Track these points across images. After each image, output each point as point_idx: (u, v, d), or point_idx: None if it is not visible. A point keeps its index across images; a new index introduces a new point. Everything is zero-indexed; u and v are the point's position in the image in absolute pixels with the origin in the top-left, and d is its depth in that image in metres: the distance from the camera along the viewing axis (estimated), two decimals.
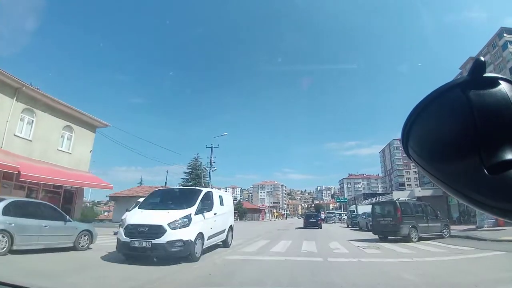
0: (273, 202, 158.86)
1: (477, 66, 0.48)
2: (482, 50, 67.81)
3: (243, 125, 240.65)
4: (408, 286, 5.48)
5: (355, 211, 52.38)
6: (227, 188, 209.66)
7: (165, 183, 42.93)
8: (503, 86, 0.48)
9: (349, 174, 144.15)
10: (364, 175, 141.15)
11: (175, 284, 5.51)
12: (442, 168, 0.49)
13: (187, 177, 56.02)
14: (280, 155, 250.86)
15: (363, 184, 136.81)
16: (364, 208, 50.83)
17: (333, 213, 63.14)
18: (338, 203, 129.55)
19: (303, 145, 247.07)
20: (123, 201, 28.88)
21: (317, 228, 25.90)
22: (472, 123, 0.45)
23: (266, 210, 73.39)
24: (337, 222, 48.30)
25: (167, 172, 46.23)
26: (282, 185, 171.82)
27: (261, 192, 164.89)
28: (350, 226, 29.62)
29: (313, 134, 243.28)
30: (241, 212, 65.76)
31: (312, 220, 27.74)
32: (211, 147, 35.91)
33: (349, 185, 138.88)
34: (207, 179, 61.28)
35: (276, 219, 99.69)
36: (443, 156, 0.49)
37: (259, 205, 73.81)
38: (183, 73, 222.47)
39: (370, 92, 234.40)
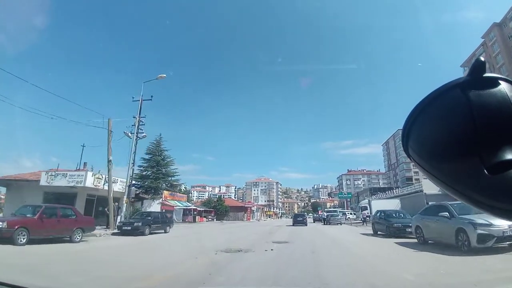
0: (268, 201, 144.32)
1: (477, 66, 0.46)
2: (506, 15, 54.72)
3: (240, 124, 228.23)
4: None
5: (368, 207, 37.83)
6: (221, 187, 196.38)
7: (83, 164, 27.92)
8: (503, 86, 0.46)
9: (348, 170, 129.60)
10: (365, 170, 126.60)
11: None
12: (442, 168, 0.47)
13: (145, 164, 41.28)
14: (277, 154, 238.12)
15: (363, 180, 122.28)
16: (379, 203, 36.17)
17: (336, 211, 48.53)
18: (338, 200, 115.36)
19: (299, 144, 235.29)
20: (20, 188, 20.30)
21: (304, 226, 28.52)
22: (472, 123, 0.44)
23: (253, 208, 58.84)
24: (344, 223, 33.72)
25: (82, 147, 28.87)
26: (277, 183, 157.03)
27: (254, 190, 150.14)
28: (381, 233, 14.97)
29: (310, 133, 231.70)
30: (221, 210, 51.03)
31: (300, 219, 30.87)
32: (140, 100, 20.88)
33: (348, 182, 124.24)
34: (172, 167, 46.46)
35: (268, 218, 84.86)
36: (443, 156, 0.47)
37: (244, 202, 59.25)
38: (183, 72, 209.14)
39: (367, 92, 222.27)
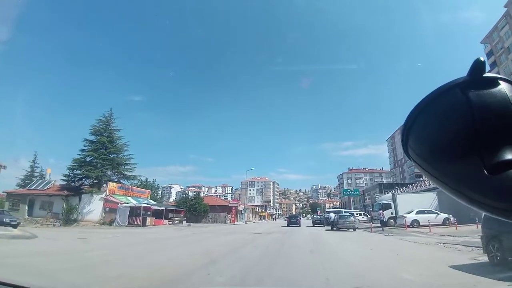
0: (264, 201, 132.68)
1: (477, 66, 0.45)
2: None
3: (239, 125, 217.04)
4: None
5: (392, 205, 26.32)
6: (217, 187, 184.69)
7: None
8: (503, 86, 0.45)
9: (349, 168, 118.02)
10: (367, 169, 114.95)
11: None
12: (442, 168, 0.46)
13: (88, 147, 30.00)
14: (276, 155, 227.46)
15: (365, 179, 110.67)
16: (408, 199, 23.79)
17: (340, 211, 37.18)
18: (339, 201, 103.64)
19: (298, 145, 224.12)
20: None
21: (297, 226, 29.64)
22: (472, 123, 0.43)
23: (240, 208, 47.50)
24: (359, 228, 22.54)
25: None
26: (273, 182, 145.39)
27: (250, 190, 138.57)
28: None
29: (309, 134, 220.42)
30: (199, 210, 39.63)
31: (293, 220, 32.27)
32: None
33: (349, 181, 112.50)
34: (126, 153, 34.71)
35: (262, 220, 73.41)
36: (443, 156, 0.46)
37: (229, 201, 47.87)
38: (182, 72, 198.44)
39: (367, 92, 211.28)
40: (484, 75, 0.45)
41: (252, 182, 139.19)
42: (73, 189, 28.66)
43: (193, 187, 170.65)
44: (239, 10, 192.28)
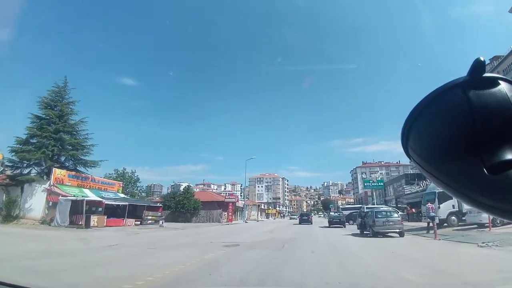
0: (273, 198, 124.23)
1: (477, 66, 0.44)
2: None
3: (247, 124, 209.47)
4: None
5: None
6: (227, 185, 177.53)
7: None
8: (503, 86, 0.44)
9: (363, 162, 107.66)
10: (382, 162, 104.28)
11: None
12: (442, 168, 0.45)
13: (36, 125, 22.74)
14: (285, 153, 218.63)
15: (381, 173, 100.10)
16: None
17: (361, 207, 28.41)
18: (354, 197, 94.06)
19: (307, 143, 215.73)
20: None
21: (309, 224, 29.32)
22: (472, 123, 0.42)
23: (239, 204, 39.50)
24: (416, 233, 14.01)
25: None
26: (283, 178, 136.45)
27: (258, 187, 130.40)
28: None
29: (318, 132, 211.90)
30: (188, 207, 31.91)
31: (305, 218, 33.25)
32: None
33: (364, 175, 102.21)
34: (83, 133, 26.09)
35: (269, 218, 65.30)
36: (443, 156, 0.45)
37: (225, 196, 39.82)
38: (184, 73, 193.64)
39: (374, 90, 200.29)
40: (484, 75, 0.44)
41: (260, 178, 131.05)
42: (15, 178, 21.53)
43: (202, 184, 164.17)
44: (242, 11, 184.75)
